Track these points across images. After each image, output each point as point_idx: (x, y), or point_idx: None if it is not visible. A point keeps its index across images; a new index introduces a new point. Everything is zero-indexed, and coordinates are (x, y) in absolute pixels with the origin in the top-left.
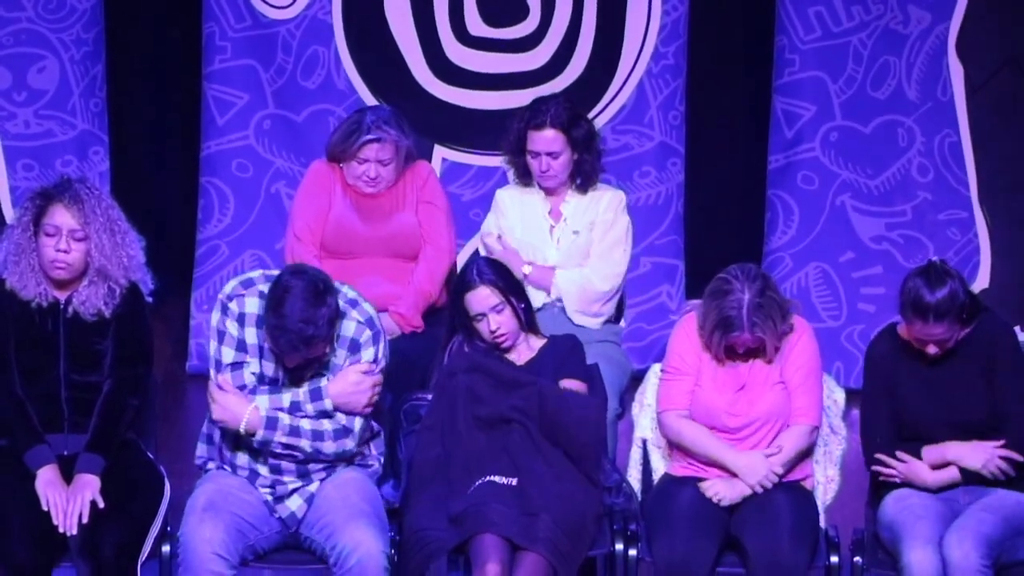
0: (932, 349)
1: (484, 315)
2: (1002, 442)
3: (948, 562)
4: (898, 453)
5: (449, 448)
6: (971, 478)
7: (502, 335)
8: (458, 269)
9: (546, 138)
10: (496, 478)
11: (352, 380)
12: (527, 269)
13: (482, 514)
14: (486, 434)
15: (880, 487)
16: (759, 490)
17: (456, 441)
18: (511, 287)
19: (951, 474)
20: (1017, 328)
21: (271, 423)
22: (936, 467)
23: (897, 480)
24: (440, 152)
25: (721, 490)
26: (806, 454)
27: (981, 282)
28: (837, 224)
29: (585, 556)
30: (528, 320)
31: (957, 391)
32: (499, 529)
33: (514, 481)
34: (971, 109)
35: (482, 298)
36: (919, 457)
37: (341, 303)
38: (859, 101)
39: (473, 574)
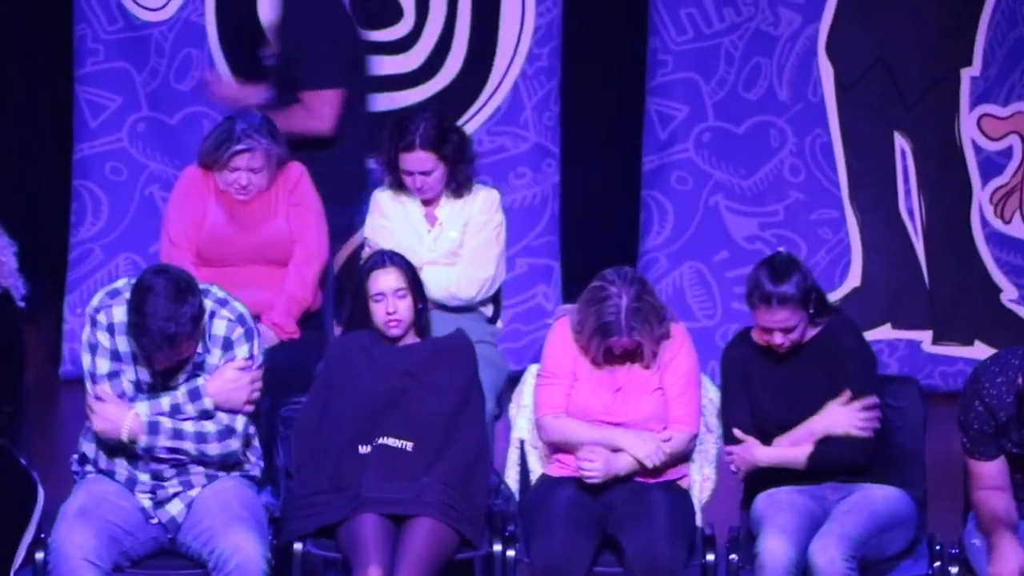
0: (779, 339)
1: (384, 296)
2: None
3: (814, 568)
4: (735, 431)
5: (342, 406)
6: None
7: (396, 321)
8: (335, 272)
9: (416, 159)
10: (390, 441)
11: (229, 377)
12: None
13: (357, 494)
14: (382, 393)
15: (753, 485)
16: (648, 464)
17: (350, 397)
18: (416, 283)
19: (783, 454)
20: (888, 326)
21: (153, 428)
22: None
23: (734, 469)
24: None
25: (595, 460)
26: (683, 459)
27: (852, 281)
28: (711, 224)
29: (485, 508)
30: (421, 322)
31: (806, 392)
32: (377, 508)
33: (409, 446)
34: (841, 109)
35: (390, 280)
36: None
37: (210, 303)
38: (731, 102)
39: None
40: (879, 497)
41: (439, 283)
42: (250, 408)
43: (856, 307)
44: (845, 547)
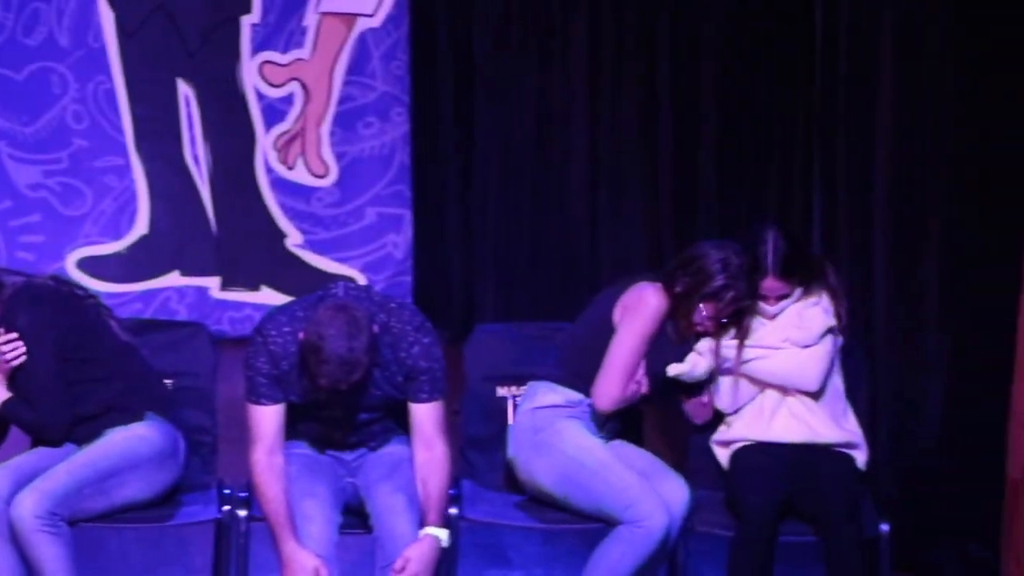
0: None
1: None
2: None
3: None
4: None
5: None
6: None
7: None
8: None
9: None
10: None
11: None
12: None
13: None
14: None
15: None
16: None
17: None
18: None
19: None
20: (176, 274)
21: None
22: None
23: None
24: None
25: None
26: None
27: (140, 228)
28: None
29: None
30: None
31: None
32: None
33: None
34: (124, 56)
35: None
36: None
37: None
38: (12, 48)
39: None
40: (105, 444)
41: None
42: None
43: (143, 254)
44: (37, 504)
